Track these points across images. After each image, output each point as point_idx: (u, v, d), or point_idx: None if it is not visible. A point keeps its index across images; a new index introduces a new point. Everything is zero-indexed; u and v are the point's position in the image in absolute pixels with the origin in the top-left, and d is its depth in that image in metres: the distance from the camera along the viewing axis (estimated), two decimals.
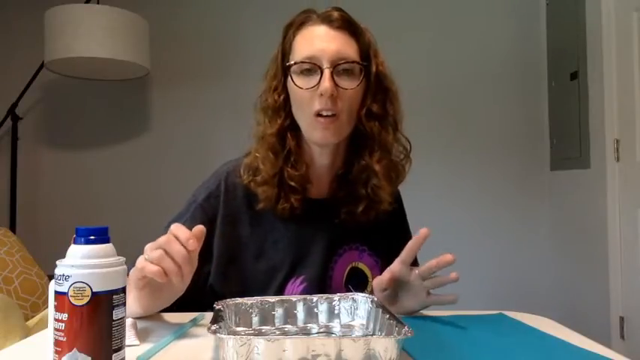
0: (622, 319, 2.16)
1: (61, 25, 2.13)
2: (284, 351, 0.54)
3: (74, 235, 0.54)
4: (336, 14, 0.89)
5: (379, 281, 0.85)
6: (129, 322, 0.68)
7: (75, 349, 0.52)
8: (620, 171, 2.18)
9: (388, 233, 1.01)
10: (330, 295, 0.77)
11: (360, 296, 0.76)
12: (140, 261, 0.69)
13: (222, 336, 0.56)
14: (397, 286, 0.85)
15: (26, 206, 2.58)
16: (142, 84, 2.69)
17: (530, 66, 2.75)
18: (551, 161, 2.69)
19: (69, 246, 0.54)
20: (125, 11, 2.20)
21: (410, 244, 0.82)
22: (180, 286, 0.71)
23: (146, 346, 0.65)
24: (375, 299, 0.73)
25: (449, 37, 2.75)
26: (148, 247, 0.70)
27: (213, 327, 0.57)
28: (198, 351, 0.66)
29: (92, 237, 0.54)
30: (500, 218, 2.72)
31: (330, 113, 0.86)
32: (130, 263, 0.90)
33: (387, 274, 0.83)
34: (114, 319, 0.54)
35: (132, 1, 2.39)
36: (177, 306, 0.83)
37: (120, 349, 0.55)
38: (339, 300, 0.76)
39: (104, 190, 2.70)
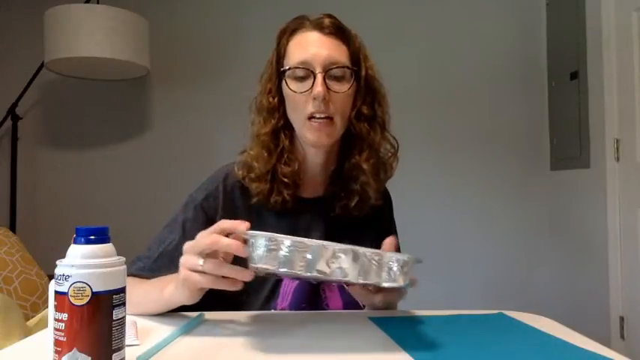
0: (622, 319, 2.16)
1: (61, 25, 2.13)
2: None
3: (74, 235, 0.55)
4: (327, 21, 0.93)
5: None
6: (129, 321, 0.68)
7: (75, 349, 0.52)
8: (620, 171, 2.18)
9: (376, 231, 1.00)
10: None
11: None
12: (189, 269, 0.70)
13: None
14: None
15: (26, 206, 2.58)
16: (142, 84, 2.69)
17: (530, 66, 2.75)
18: (551, 161, 2.69)
19: (69, 246, 0.54)
20: (125, 11, 2.20)
21: None
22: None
23: (146, 346, 0.65)
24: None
25: (449, 38, 2.75)
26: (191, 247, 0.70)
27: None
28: (198, 351, 0.66)
29: (92, 237, 0.54)
30: (500, 218, 2.72)
31: (323, 116, 0.90)
32: (131, 263, 0.90)
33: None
34: (114, 319, 0.54)
35: (132, 1, 2.39)
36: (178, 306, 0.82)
37: (120, 349, 0.55)
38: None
39: (104, 190, 2.70)
